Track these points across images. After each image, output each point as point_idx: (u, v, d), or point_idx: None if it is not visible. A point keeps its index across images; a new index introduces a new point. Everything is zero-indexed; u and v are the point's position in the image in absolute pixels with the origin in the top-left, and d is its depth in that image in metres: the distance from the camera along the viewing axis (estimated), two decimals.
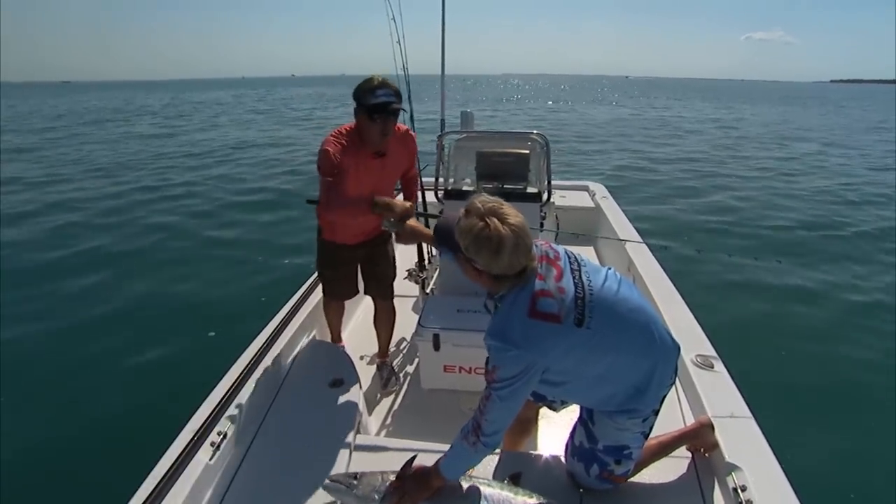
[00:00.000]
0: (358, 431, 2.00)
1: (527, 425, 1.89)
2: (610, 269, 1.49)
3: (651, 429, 1.55)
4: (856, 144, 17.59)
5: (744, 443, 1.71)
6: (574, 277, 1.38)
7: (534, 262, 1.36)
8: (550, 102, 41.43)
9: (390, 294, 2.66)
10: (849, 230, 7.40)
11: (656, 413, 1.53)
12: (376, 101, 2.00)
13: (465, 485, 1.55)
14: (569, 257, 1.45)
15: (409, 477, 1.50)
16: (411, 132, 2.39)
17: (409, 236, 2.04)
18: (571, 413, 1.71)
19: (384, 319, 2.73)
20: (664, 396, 1.52)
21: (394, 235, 2.37)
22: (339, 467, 1.76)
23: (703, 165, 12.58)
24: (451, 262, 1.53)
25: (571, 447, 1.64)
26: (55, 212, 8.23)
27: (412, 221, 2.11)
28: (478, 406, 1.39)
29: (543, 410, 1.81)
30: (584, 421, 1.59)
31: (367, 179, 2.18)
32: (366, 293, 2.69)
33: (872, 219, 8.01)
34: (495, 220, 1.26)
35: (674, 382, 1.54)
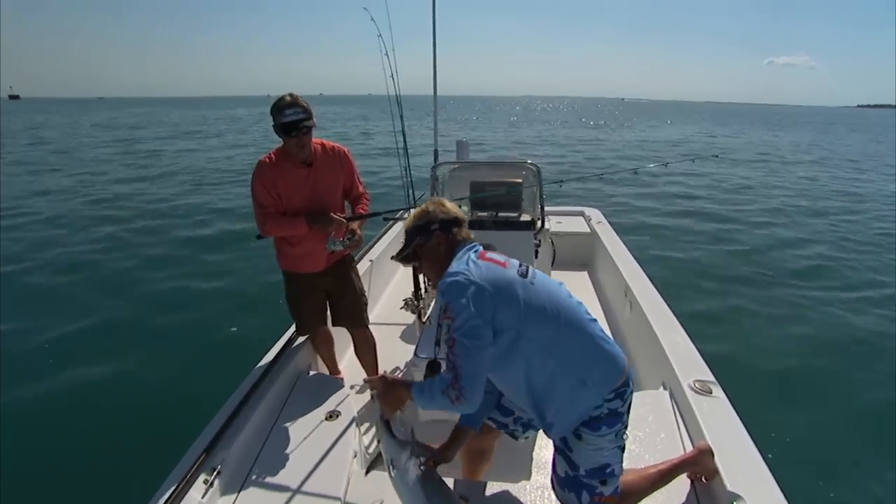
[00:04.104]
0: (354, 465, 1.97)
1: (486, 454, 1.88)
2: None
3: (625, 442, 1.55)
4: None
5: (745, 471, 1.69)
6: (518, 263, 1.57)
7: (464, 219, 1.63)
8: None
9: (364, 321, 2.67)
10: None
11: (626, 426, 1.53)
12: (285, 120, 2.17)
13: None
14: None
15: (383, 382, 1.62)
16: (344, 150, 2.47)
17: (358, 244, 2.43)
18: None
19: (364, 347, 2.73)
20: (628, 405, 1.51)
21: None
22: (334, 502, 1.73)
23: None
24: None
25: (557, 479, 1.61)
26: None
27: (354, 225, 2.40)
28: (447, 364, 1.43)
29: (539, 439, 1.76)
30: (562, 450, 1.58)
31: (299, 191, 2.30)
32: (335, 325, 2.68)
33: None
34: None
35: (631, 391, 1.52)
